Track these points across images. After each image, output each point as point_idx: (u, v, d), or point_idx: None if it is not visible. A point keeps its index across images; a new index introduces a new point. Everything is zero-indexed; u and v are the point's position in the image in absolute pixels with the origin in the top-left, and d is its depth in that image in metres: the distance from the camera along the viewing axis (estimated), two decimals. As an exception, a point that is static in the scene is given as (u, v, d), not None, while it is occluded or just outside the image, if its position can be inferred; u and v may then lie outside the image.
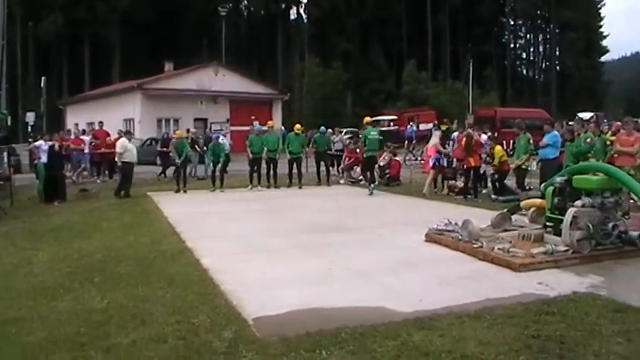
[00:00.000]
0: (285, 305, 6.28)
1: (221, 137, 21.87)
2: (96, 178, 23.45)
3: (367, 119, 20.09)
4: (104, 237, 10.94)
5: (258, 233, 11.19)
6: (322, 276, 7.70)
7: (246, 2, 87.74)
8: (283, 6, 79.70)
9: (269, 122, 23.80)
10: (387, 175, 20.64)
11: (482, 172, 17.23)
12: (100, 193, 18.52)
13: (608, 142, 13.85)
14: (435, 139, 18.32)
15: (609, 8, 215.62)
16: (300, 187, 19.88)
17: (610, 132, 16.89)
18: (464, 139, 16.40)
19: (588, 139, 13.03)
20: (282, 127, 48.13)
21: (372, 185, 18.04)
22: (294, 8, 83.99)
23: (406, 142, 36.48)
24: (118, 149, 18.16)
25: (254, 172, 19.86)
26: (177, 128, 37.08)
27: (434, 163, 17.61)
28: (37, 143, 18.60)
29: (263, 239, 10.51)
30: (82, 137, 24.18)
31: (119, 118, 41.40)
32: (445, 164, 17.91)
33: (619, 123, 16.66)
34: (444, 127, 24.36)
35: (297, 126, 21.46)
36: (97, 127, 26.91)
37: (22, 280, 7.89)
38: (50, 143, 18.04)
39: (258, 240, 10.42)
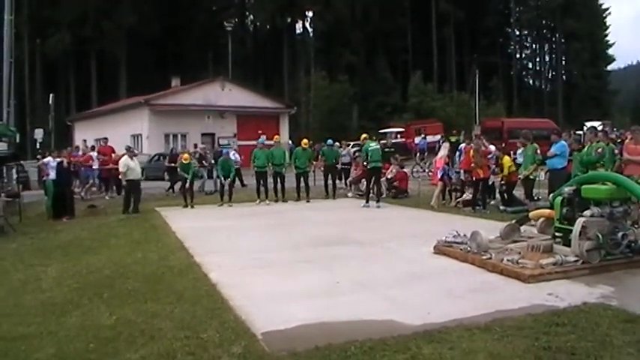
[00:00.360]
0: (294, 319, 6.26)
1: (232, 152, 21.96)
2: (104, 194, 23.49)
3: (364, 135, 20.26)
4: (112, 253, 10.96)
5: (266, 247, 11.19)
6: (330, 289, 7.69)
7: (252, 17, 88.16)
8: (289, 20, 79.81)
9: (275, 137, 23.85)
10: (395, 188, 20.62)
11: (490, 183, 17.19)
12: (108, 209, 18.57)
13: (616, 151, 13.74)
14: (443, 150, 18.34)
15: (614, 17, 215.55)
16: (308, 201, 19.89)
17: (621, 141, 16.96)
18: (471, 150, 16.42)
19: (599, 149, 12.94)
20: (290, 141, 48.32)
21: (374, 199, 18.19)
22: (300, 22, 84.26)
23: (417, 153, 36.39)
24: (121, 168, 18.16)
25: (261, 186, 19.87)
26: (185, 144, 37.31)
27: (442, 175, 17.62)
28: (45, 160, 18.69)
29: (271, 253, 10.50)
30: (90, 153, 24.27)
31: (127, 134, 41.65)
32: (453, 176, 17.91)
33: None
34: (453, 139, 24.41)
35: (305, 141, 21.53)
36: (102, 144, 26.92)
37: (31, 296, 7.90)
38: (58, 160, 18.10)
39: (266, 254, 10.41)
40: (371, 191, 18.67)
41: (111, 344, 5.80)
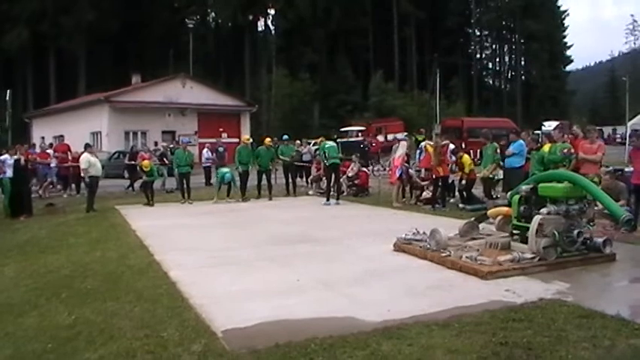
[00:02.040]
0: (254, 317, 6.25)
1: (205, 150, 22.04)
2: (62, 192, 23.19)
3: (321, 138, 20.68)
4: (71, 252, 10.81)
5: (227, 245, 11.16)
6: (291, 287, 7.69)
7: (213, 14, 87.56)
8: (251, 18, 79.57)
9: (244, 137, 23.92)
10: (355, 186, 20.70)
11: (450, 181, 17.34)
12: (66, 208, 18.31)
13: (565, 150, 13.80)
14: (401, 149, 18.44)
15: (572, 19, 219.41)
16: (270, 199, 19.86)
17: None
18: (430, 148, 16.60)
19: (565, 150, 13.09)
20: (251, 140, 48.11)
21: (335, 197, 18.29)
22: (262, 20, 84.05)
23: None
24: (83, 165, 17.93)
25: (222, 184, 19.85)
26: (145, 141, 37.01)
27: (400, 174, 17.72)
28: (1, 157, 18.32)
29: (231, 251, 10.46)
30: (48, 151, 23.94)
31: (86, 131, 41.21)
32: (413, 174, 18.06)
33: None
34: (420, 137, 24.64)
35: (268, 140, 21.51)
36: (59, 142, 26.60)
37: (-13, 296, 7.78)
38: (16, 157, 17.78)
39: (226, 252, 10.37)
40: (332, 189, 18.72)
41: (70, 344, 5.73)
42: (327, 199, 18.19)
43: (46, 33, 64.79)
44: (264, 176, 20.43)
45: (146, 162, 19.52)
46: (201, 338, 5.70)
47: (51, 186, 23.34)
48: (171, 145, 27.39)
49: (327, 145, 18.59)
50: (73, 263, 9.64)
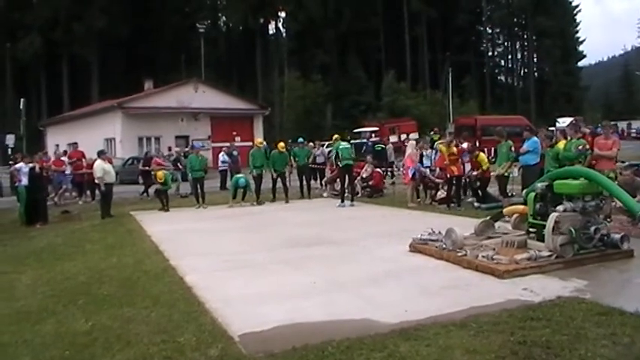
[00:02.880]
0: (271, 321, 6.24)
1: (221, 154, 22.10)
2: (78, 200, 23.30)
3: (336, 136, 20.23)
4: (87, 258, 10.86)
5: (242, 249, 11.16)
6: (307, 290, 7.67)
7: (224, 18, 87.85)
8: (261, 21, 79.71)
9: (257, 140, 23.95)
10: (370, 187, 20.65)
11: (464, 180, 17.26)
12: (82, 214, 18.38)
13: (580, 147, 13.64)
14: (409, 149, 18.39)
15: (584, 14, 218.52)
16: (286, 202, 19.85)
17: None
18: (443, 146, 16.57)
19: (580, 147, 12.99)
20: (264, 143, 48.17)
21: (349, 198, 18.28)
22: (273, 23, 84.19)
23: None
24: (97, 173, 17.88)
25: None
26: (159, 146, 37.15)
27: (413, 174, 17.66)
28: (17, 166, 18.43)
29: (247, 255, 10.46)
30: (62, 158, 24.06)
31: (100, 138, 41.48)
32: (427, 174, 18.00)
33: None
34: (436, 137, 24.56)
35: (281, 144, 21.47)
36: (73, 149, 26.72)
37: (5, 304, 7.80)
38: (31, 165, 17.88)
39: (242, 256, 10.37)
40: (346, 190, 18.69)
41: (87, 350, 5.75)
42: (342, 201, 18.15)
43: (58, 40, 65.29)
44: (279, 179, 20.42)
45: (160, 173, 19.51)
46: (218, 343, 5.70)
47: (66, 193, 23.46)
48: (186, 149, 27.46)
49: (340, 146, 18.52)
50: (90, 269, 9.68)
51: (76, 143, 27.39)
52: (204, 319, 6.52)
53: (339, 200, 18.28)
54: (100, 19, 64.69)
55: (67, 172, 23.30)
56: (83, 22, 64.82)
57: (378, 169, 21.78)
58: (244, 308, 6.93)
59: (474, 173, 16.59)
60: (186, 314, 6.71)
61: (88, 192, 23.49)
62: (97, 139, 40.42)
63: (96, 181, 18.48)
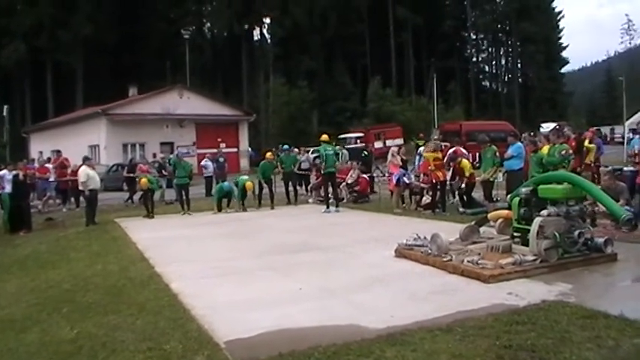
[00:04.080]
0: (257, 327, 6.24)
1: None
2: (62, 207, 23.17)
3: (324, 137, 19.72)
4: (72, 266, 10.81)
5: (228, 256, 11.14)
6: (293, 296, 7.67)
7: (209, 25, 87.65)
8: (247, 27, 79.58)
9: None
10: (356, 192, 20.68)
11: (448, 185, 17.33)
12: (66, 222, 18.29)
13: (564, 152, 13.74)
14: (390, 156, 18.46)
15: (568, 20, 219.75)
16: (272, 208, 19.84)
17: (587, 139, 17.34)
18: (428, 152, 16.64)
19: (563, 151, 13.08)
20: (250, 149, 48.20)
21: (333, 205, 18.32)
22: (258, 29, 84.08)
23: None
24: (81, 179, 17.79)
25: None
26: (144, 153, 37.06)
27: (397, 180, 17.71)
28: (0, 173, 18.32)
29: (233, 261, 10.45)
30: (46, 165, 23.93)
31: (84, 145, 41.24)
32: (412, 179, 18.05)
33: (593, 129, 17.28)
34: (421, 142, 24.63)
35: (269, 154, 21.56)
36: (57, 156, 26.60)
37: (-11, 313, 7.76)
38: (14, 172, 17.77)
39: (227, 262, 10.36)
40: (331, 197, 18.71)
41: (72, 359, 5.73)
42: (327, 207, 18.17)
43: (43, 47, 64.79)
44: (265, 185, 20.48)
45: (144, 180, 19.41)
46: (204, 349, 5.68)
47: (50, 200, 23.32)
48: (171, 156, 27.38)
49: (326, 151, 18.48)
50: (74, 277, 9.63)
51: (59, 151, 27.26)
52: (190, 326, 6.50)
53: (325, 206, 18.29)
54: (85, 27, 64.32)
55: (51, 179, 23.17)
56: (68, 29, 64.42)
57: (365, 175, 21.79)
58: (231, 315, 6.92)
59: (462, 185, 16.69)
60: (172, 321, 6.69)
61: (73, 199, 23.35)
62: (81, 146, 40.21)
63: (80, 187, 18.37)
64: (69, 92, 68.36)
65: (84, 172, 17.85)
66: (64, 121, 50.92)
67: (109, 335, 6.33)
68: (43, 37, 64.55)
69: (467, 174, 16.57)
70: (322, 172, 18.71)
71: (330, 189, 18.74)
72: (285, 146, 23.39)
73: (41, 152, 30.04)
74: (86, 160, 19.03)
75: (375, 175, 25.45)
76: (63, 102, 65.18)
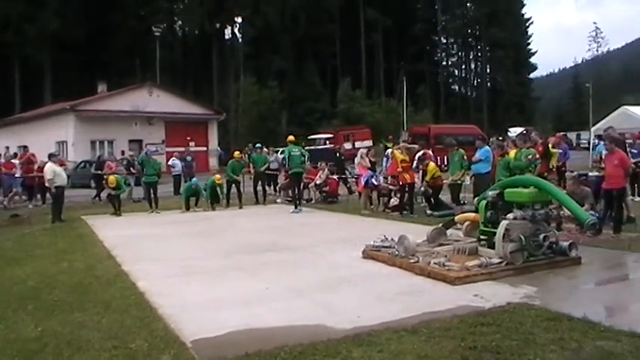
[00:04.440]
0: (224, 326, 6.23)
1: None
2: (28, 203, 22.85)
3: (291, 138, 19.80)
4: (37, 263, 10.66)
5: (195, 255, 11.10)
6: (260, 296, 7.67)
7: (180, 22, 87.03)
8: (218, 26, 79.18)
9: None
10: (325, 192, 20.72)
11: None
12: (32, 218, 18.04)
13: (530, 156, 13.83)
14: (357, 158, 18.54)
15: (537, 27, 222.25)
16: (240, 207, 19.79)
17: (550, 144, 17.53)
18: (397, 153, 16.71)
19: (530, 156, 13.21)
20: (219, 148, 48.01)
21: (299, 205, 18.42)
22: (229, 28, 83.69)
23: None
24: (48, 175, 17.53)
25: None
26: (112, 150, 36.75)
27: (366, 181, 17.78)
28: (-35, 169, 18.05)
29: (200, 261, 10.41)
30: (12, 161, 23.59)
31: (52, 141, 40.75)
32: (380, 181, 18.11)
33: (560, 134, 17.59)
34: (389, 144, 24.74)
35: (237, 153, 21.55)
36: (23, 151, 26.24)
37: (-49, 310, 7.64)
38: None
39: (195, 261, 10.32)
40: (293, 195, 18.78)
41: (37, 357, 5.66)
42: (295, 207, 18.19)
43: (10, 42, 63.85)
44: (233, 185, 20.44)
45: (112, 178, 19.19)
46: (171, 348, 5.66)
47: (16, 197, 23.00)
48: (139, 154, 27.16)
49: (292, 152, 18.50)
50: (40, 274, 9.51)
51: (26, 147, 26.92)
52: (156, 324, 6.47)
53: (293, 206, 18.31)
54: (53, 22, 63.48)
55: (17, 174, 22.84)
56: (36, 24, 63.53)
57: (334, 176, 21.83)
58: (198, 314, 6.90)
59: (422, 188, 16.81)
60: (139, 320, 6.65)
61: (39, 195, 23.05)
62: (49, 142, 39.75)
63: (46, 184, 18.12)
64: (37, 88, 67.40)
65: (50, 169, 17.61)
66: (32, 116, 50.26)
67: (75, 333, 6.27)
68: (10, 32, 63.58)
69: (428, 177, 16.67)
70: (289, 172, 18.74)
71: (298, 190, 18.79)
72: (258, 145, 23.33)
73: (7, 148, 29.60)
74: (52, 156, 18.71)
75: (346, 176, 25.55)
76: (30, 97, 64.24)
